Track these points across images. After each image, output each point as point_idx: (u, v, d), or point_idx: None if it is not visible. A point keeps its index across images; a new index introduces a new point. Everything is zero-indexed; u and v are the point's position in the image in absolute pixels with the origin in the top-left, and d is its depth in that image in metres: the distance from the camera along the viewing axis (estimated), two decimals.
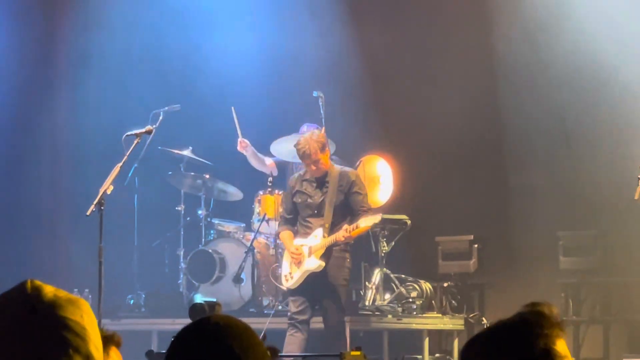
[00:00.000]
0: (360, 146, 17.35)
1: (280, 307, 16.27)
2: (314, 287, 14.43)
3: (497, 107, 18.13)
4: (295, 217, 14.70)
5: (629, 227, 14.07)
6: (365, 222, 14.15)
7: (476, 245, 16.91)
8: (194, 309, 11.36)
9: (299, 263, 14.44)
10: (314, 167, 14.36)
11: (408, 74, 18.28)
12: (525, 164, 18.00)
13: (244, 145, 16.61)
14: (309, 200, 14.55)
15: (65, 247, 17.04)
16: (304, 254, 14.39)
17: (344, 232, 14.07)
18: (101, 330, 4.84)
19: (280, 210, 15.30)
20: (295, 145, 14.48)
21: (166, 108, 15.50)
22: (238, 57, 18.26)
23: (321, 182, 14.52)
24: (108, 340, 4.98)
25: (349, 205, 14.40)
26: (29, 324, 3.04)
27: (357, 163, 16.85)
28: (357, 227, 14.17)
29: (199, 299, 12.57)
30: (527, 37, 17.84)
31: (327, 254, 14.36)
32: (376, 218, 14.36)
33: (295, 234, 14.63)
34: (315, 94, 16.32)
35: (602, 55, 16.80)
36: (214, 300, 12.45)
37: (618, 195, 14.40)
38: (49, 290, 3.12)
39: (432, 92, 18.06)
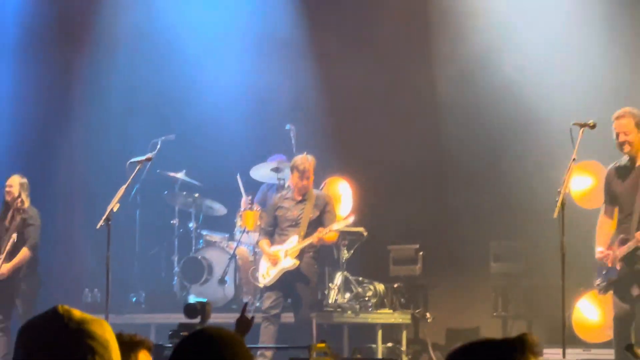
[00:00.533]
0: (324, 170, 17.12)
1: (257, 304, 16.18)
2: (288, 284, 14.67)
3: (438, 137, 18.34)
4: (274, 230, 14.89)
5: (547, 239, 13.97)
6: (338, 225, 14.63)
7: (421, 253, 16.93)
8: (188, 307, 11.71)
9: (275, 263, 14.64)
10: (305, 182, 14.70)
11: (365, 109, 18.45)
12: (462, 185, 18.13)
13: (248, 202, 16.85)
14: (288, 213, 14.78)
15: (78, 254, 17.03)
16: (280, 256, 14.62)
17: (318, 234, 14.42)
18: (134, 335, 5.35)
19: (260, 223, 15.48)
20: (293, 162, 14.79)
21: (163, 137, 15.58)
22: (224, 93, 18.16)
23: (299, 201, 14.75)
24: (139, 344, 5.32)
25: (321, 221, 14.65)
26: (63, 336, 3.15)
27: (322, 184, 16.92)
28: (330, 230, 14.58)
29: (192, 299, 12.95)
30: (463, 76, 17.87)
31: (300, 257, 14.64)
32: (347, 222, 14.86)
33: (273, 243, 14.81)
34: (287, 127, 16.67)
35: (529, 91, 16.97)
36: (205, 300, 12.85)
37: (540, 213, 14.43)
38: (76, 312, 3.21)
39: (385, 124, 18.22)
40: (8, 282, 15.10)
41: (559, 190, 12.79)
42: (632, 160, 13.02)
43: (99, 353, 3.15)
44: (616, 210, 13.26)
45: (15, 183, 15.35)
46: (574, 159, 12.91)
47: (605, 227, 13.34)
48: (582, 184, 15.77)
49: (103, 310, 13.98)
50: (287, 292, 14.94)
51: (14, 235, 14.98)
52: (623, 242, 12.88)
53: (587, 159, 14.80)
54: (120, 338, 4.01)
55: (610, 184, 13.29)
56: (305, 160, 14.75)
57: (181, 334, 10.74)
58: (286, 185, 16.78)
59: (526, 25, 17.50)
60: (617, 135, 12.95)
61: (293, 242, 14.76)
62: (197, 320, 11.44)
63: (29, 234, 15.25)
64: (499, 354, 3.97)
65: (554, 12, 17.44)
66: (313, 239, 14.59)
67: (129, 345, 5.22)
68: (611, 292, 13.10)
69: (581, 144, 12.83)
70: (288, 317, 15.87)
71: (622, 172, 13.16)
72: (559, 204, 12.65)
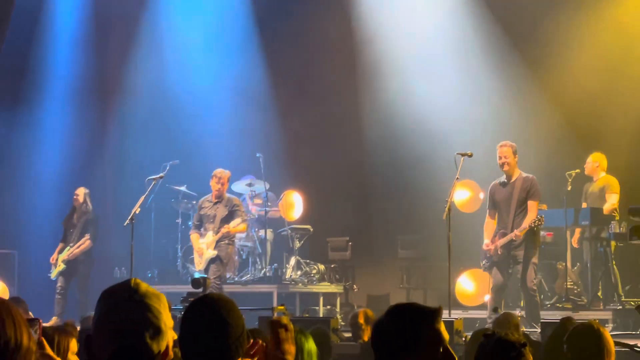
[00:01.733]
0: (283, 185, 17.36)
1: (236, 279, 16.32)
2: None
3: (363, 161, 18.41)
4: (201, 224, 14.61)
5: (438, 234, 13.90)
6: (235, 228, 14.40)
7: (350, 243, 16.98)
8: (194, 280, 11.96)
9: (201, 254, 14.39)
10: (220, 187, 14.42)
11: (311, 142, 18.41)
12: (379, 196, 18.30)
13: None
14: (208, 212, 14.50)
15: (111, 243, 16.78)
16: (203, 249, 14.36)
17: (224, 230, 14.19)
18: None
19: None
20: (215, 172, 14.51)
21: (170, 162, 15.39)
22: (213, 131, 18.04)
23: (215, 202, 14.51)
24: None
25: (232, 217, 14.37)
26: (127, 305, 3.00)
27: (282, 195, 17.05)
28: (231, 228, 14.28)
29: (197, 275, 13.01)
30: (381, 117, 17.88)
31: (217, 246, 14.33)
32: (243, 227, 14.82)
33: (200, 235, 14.56)
34: (257, 155, 16.48)
35: (427, 129, 16.94)
36: (205, 275, 13.02)
37: (433, 215, 14.18)
38: (144, 286, 3.06)
39: (326, 153, 18.30)
40: (74, 261, 15.03)
41: (446, 199, 13.05)
42: (509, 177, 13.19)
43: (152, 322, 3.01)
44: (496, 214, 13.38)
45: (81, 193, 15.38)
46: (457, 178, 13.13)
47: (489, 225, 13.40)
48: (463, 195, 15.94)
49: None
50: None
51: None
52: (503, 235, 13.04)
53: (466, 178, 14.71)
54: None
55: (494, 194, 13.38)
56: (222, 171, 14.54)
57: (189, 299, 10.99)
58: (254, 194, 16.95)
59: (427, 80, 17.24)
60: (500, 158, 13.14)
61: (210, 236, 14.40)
62: (200, 290, 11.70)
63: (91, 230, 15.18)
64: (419, 312, 3.99)
65: (449, 70, 17.37)
66: (223, 231, 14.25)
67: None
68: (494, 269, 13.20)
69: (462, 168, 13.09)
70: (258, 288, 16.02)
71: (502, 186, 13.28)
72: (446, 209, 12.88)
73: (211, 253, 14.37)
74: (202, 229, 14.65)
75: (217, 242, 14.43)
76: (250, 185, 16.99)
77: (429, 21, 17.58)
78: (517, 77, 17.07)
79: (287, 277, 16.33)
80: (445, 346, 3.93)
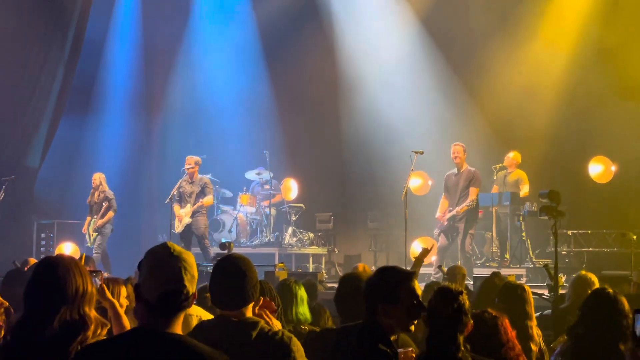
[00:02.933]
0: (283, 174, 17.17)
1: (247, 243, 16.19)
2: (189, 231, 14.05)
3: (342, 156, 18.36)
4: (180, 199, 14.08)
5: (398, 210, 13.94)
6: (206, 201, 14.08)
7: (332, 217, 16.92)
8: (222, 244, 11.85)
9: (181, 220, 13.97)
10: (193, 170, 14.02)
11: (304, 143, 18.25)
12: (355, 181, 18.11)
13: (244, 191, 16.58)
14: (185, 189, 14.06)
15: (155, 215, 16.91)
16: (183, 215, 13.97)
17: (200, 203, 13.88)
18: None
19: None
20: (188, 162, 14.03)
21: (199, 157, 15.32)
22: (232, 134, 17.90)
23: (190, 182, 14.07)
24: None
25: (203, 193, 14.00)
26: (169, 260, 3.02)
27: (282, 182, 16.87)
28: (202, 202, 13.98)
29: (223, 239, 12.95)
30: (355, 123, 17.82)
31: (193, 215, 13.94)
32: (210, 200, 14.30)
33: (180, 207, 14.08)
34: (265, 152, 16.44)
35: (390, 131, 16.99)
36: (230, 240, 12.92)
37: (395, 196, 14.20)
38: (177, 246, 3.07)
39: (316, 150, 18.15)
40: (100, 227, 14.53)
41: (404, 185, 13.09)
42: (459, 169, 13.31)
43: (186, 269, 3.03)
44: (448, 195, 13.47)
45: (97, 177, 14.86)
46: (412, 169, 13.14)
47: (443, 204, 13.47)
48: (416, 182, 15.71)
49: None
50: (188, 237, 14.11)
51: (105, 204, 14.63)
52: (450, 211, 13.18)
53: (418, 170, 14.54)
54: None
55: (447, 181, 13.51)
56: (192, 158, 14.14)
57: (217, 258, 11.06)
58: (263, 181, 16.88)
59: (389, 94, 17.34)
60: (453, 153, 13.27)
61: (188, 207, 13.96)
62: (226, 251, 11.61)
63: (111, 204, 14.67)
64: (400, 272, 4.13)
65: (405, 86, 17.34)
66: (197, 205, 13.89)
67: None
68: (441, 235, 13.29)
69: (416, 161, 13.11)
70: (264, 250, 15.90)
71: (453, 175, 13.38)
72: (404, 192, 12.92)
73: (187, 220, 14.01)
74: (182, 203, 14.17)
75: (193, 212, 14.02)
76: (259, 174, 16.90)
77: (391, 50, 17.57)
78: (455, 92, 17.00)
79: (285, 242, 16.22)
80: (418, 299, 4.05)
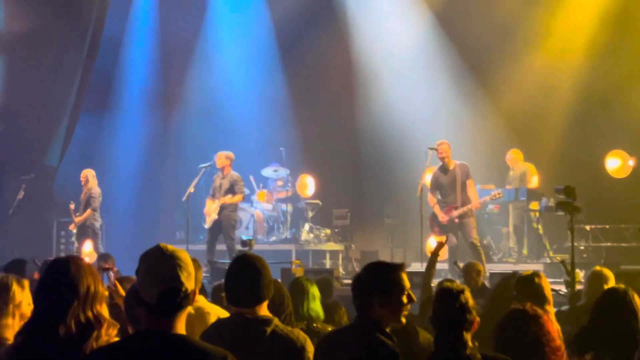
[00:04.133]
0: (299, 171, 17.24)
1: (265, 240, 16.24)
2: (217, 227, 14.02)
3: (358, 154, 18.25)
4: (214, 194, 14.11)
5: (414, 206, 13.88)
6: (231, 199, 13.98)
7: (349, 213, 16.90)
8: (243, 241, 11.82)
9: (209, 215, 14.00)
10: (226, 170, 14.04)
11: (320, 139, 18.07)
12: (370, 178, 18.00)
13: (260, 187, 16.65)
14: (217, 184, 14.06)
15: (174, 213, 16.95)
16: (211, 213, 13.97)
17: (221, 200, 13.81)
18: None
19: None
20: (218, 157, 14.08)
21: (216, 154, 15.09)
22: (249, 131, 17.84)
23: (222, 177, 14.05)
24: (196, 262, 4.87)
25: (233, 190, 13.93)
26: (163, 259, 3.03)
27: (298, 179, 16.95)
28: (226, 199, 13.90)
29: (244, 237, 12.89)
30: (371, 120, 17.76)
31: (221, 211, 13.95)
32: (239, 198, 14.17)
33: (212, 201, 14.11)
34: (281, 149, 16.69)
35: (405, 126, 16.86)
36: (251, 237, 12.89)
37: (410, 192, 14.29)
38: (170, 246, 3.09)
39: (332, 146, 18.04)
40: (82, 224, 14.44)
41: (419, 181, 13.14)
42: (448, 166, 13.08)
43: (182, 267, 3.04)
44: (437, 193, 13.30)
45: (85, 174, 14.75)
46: (427, 165, 13.16)
47: (433, 202, 13.27)
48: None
49: (185, 242, 14.18)
50: (215, 234, 14.12)
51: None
52: (454, 208, 12.94)
53: (434, 165, 14.05)
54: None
55: (437, 179, 13.20)
56: (224, 153, 14.17)
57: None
58: (280, 178, 16.96)
59: (405, 91, 17.22)
60: (440, 153, 13.01)
61: (216, 202, 13.96)
62: (247, 248, 11.57)
63: (90, 202, 14.52)
64: (387, 266, 4.18)
65: (421, 84, 17.25)
66: (223, 200, 13.87)
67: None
68: (449, 234, 12.99)
69: (431, 158, 13.14)
70: (281, 247, 15.96)
71: (443, 172, 13.12)
72: (419, 188, 13.00)
73: (215, 217, 14.03)
74: (214, 197, 14.19)
75: (220, 209, 14.02)
76: (275, 171, 16.94)
77: (406, 45, 17.46)
78: (470, 89, 16.93)
79: (302, 238, 16.26)
80: (407, 289, 4.08)
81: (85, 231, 14.56)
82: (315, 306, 5.82)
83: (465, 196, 12.97)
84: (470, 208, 12.93)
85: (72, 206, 14.67)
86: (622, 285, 5.18)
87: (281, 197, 16.85)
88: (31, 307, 3.82)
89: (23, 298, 4.09)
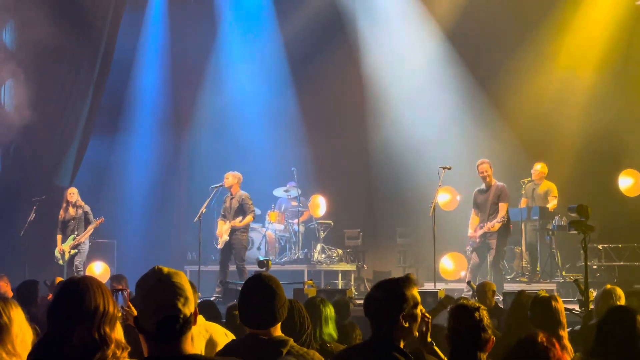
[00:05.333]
0: (311, 191, 17.30)
1: (276, 260, 16.05)
2: (228, 248, 13.96)
3: (370, 172, 18.20)
4: (225, 215, 14.09)
5: (426, 226, 13.75)
6: (242, 222, 13.98)
7: (361, 233, 16.94)
8: (259, 261, 11.76)
9: (221, 236, 13.95)
10: (236, 185, 14.05)
11: (332, 158, 18.11)
12: (383, 197, 18.02)
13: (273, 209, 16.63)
14: (227, 205, 14.10)
15: (185, 234, 16.97)
16: (223, 234, 13.95)
17: (234, 222, 13.79)
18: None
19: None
20: (226, 178, 14.02)
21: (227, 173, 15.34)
22: (261, 150, 17.87)
23: (231, 198, 14.07)
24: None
25: (242, 210, 13.97)
26: (159, 287, 3.02)
27: (310, 199, 17.04)
28: (237, 223, 13.89)
29: (261, 257, 12.85)
30: (382, 137, 17.77)
31: (232, 233, 13.92)
32: (249, 219, 14.14)
33: (224, 222, 14.03)
34: (292, 169, 16.61)
35: (418, 146, 16.92)
36: (268, 258, 12.84)
37: (423, 212, 14.30)
38: (165, 269, 3.06)
39: (344, 166, 17.98)
40: (80, 244, 14.36)
41: (432, 201, 13.09)
42: (488, 185, 13.27)
43: (179, 293, 3.02)
44: (478, 211, 13.43)
45: (74, 191, 14.64)
46: (440, 185, 13.15)
47: (474, 221, 13.40)
48: (444, 198, 15.77)
49: (197, 263, 14.14)
50: (227, 255, 14.06)
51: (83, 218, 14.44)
52: (481, 227, 13.16)
53: (447, 185, 14.69)
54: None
55: (476, 198, 13.44)
56: (231, 173, 14.13)
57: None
58: (292, 198, 16.95)
59: (416, 110, 17.27)
60: (482, 172, 13.23)
61: (227, 224, 13.96)
62: (264, 269, 11.51)
63: (90, 218, 14.45)
64: (398, 282, 4.03)
65: (432, 103, 17.25)
66: (233, 224, 13.88)
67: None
68: (474, 252, 13.26)
69: (443, 177, 13.14)
70: (293, 267, 15.89)
71: (481, 193, 13.35)
72: (432, 208, 12.95)
73: (226, 238, 14.01)
74: (225, 218, 14.19)
75: (231, 231, 14.00)
76: (287, 191, 16.91)
77: (417, 65, 17.48)
78: (482, 107, 16.91)
79: (314, 259, 16.26)
80: (420, 305, 3.97)
81: (82, 249, 14.49)
82: (329, 330, 5.75)
83: (494, 218, 13.12)
84: (486, 229, 13.02)
85: (100, 222, 14.60)
86: (623, 303, 5.05)
87: (296, 219, 16.77)
88: (24, 325, 3.83)
89: (12, 323, 3.98)
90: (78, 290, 3.22)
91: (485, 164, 13.28)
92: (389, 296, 3.95)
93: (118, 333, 3.30)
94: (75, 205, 14.53)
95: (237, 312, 4.06)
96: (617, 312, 4.84)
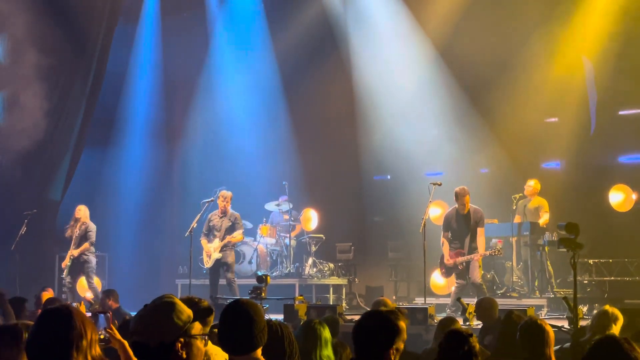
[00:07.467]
0: (302, 204, 17.28)
1: (267, 274, 16.32)
2: (219, 266, 13.96)
3: (362, 183, 18.32)
4: (209, 233, 14.08)
5: (417, 241, 13.67)
6: (236, 237, 14.01)
7: (352, 247, 16.89)
8: (258, 277, 11.64)
9: (209, 255, 13.97)
10: (225, 204, 13.90)
11: (323, 170, 18.18)
12: (375, 212, 18.18)
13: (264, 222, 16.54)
14: (215, 224, 14.04)
15: (176, 248, 16.85)
16: (212, 251, 13.93)
17: (228, 239, 13.78)
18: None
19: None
20: (222, 193, 14.01)
21: (219, 189, 14.84)
22: (252, 165, 17.83)
23: (221, 216, 14.03)
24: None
25: (233, 228, 13.96)
26: (158, 308, 3.18)
27: (301, 212, 17.04)
28: (232, 238, 13.90)
29: (260, 272, 12.76)
30: (373, 144, 17.80)
31: (223, 249, 13.89)
32: (241, 238, 14.25)
33: (208, 241, 14.04)
34: (284, 183, 16.55)
35: (408, 155, 17.03)
36: (267, 272, 12.75)
37: (413, 227, 14.29)
38: (167, 295, 3.21)
39: (333, 178, 18.09)
40: (77, 259, 14.33)
41: (422, 217, 13.10)
42: (462, 211, 13.12)
43: (177, 316, 3.15)
44: (449, 234, 13.29)
45: (81, 208, 14.65)
46: (430, 201, 13.16)
47: (446, 244, 13.29)
48: (436, 212, 15.68)
49: (188, 277, 14.10)
50: (217, 271, 14.07)
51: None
52: (460, 254, 13.06)
53: (437, 199, 14.65)
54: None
55: (450, 221, 13.28)
56: (227, 193, 14.08)
57: (257, 291, 11.09)
58: (283, 212, 16.89)
59: (407, 125, 17.27)
60: (463, 204, 13.03)
61: (217, 242, 13.96)
62: (262, 284, 11.45)
63: (89, 236, 14.41)
64: (392, 314, 4.03)
65: (424, 118, 17.33)
66: (224, 241, 13.87)
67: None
68: (454, 275, 13.20)
69: (434, 191, 13.17)
70: (284, 281, 15.86)
71: (460, 216, 13.15)
72: (422, 223, 12.90)
73: (217, 255, 13.97)
74: (210, 236, 14.15)
75: (222, 247, 14.01)
76: (278, 205, 16.89)
77: (409, 81, 17.51)
78: (473, 122, 16.93)
79: (305, 273, 16.25)
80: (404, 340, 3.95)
81: (81, 267, 14.46)
82: (328, 352, 5.79)
83: (474, 243, 13.04)
84: (474, 258, 12.96)
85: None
86: (621, 325, 5.06)
87: (287, 233, 16.74)
88: None
89: None
90: (59, 322, 3.22)
91: (467, 195, 13.08)
92: (383, 327, 3.96)
93: (98, 355, 3.33)
94: (80, 222, 14.54)
95: (216, 330, 4.05)
96: (604, 344, 4.64)
